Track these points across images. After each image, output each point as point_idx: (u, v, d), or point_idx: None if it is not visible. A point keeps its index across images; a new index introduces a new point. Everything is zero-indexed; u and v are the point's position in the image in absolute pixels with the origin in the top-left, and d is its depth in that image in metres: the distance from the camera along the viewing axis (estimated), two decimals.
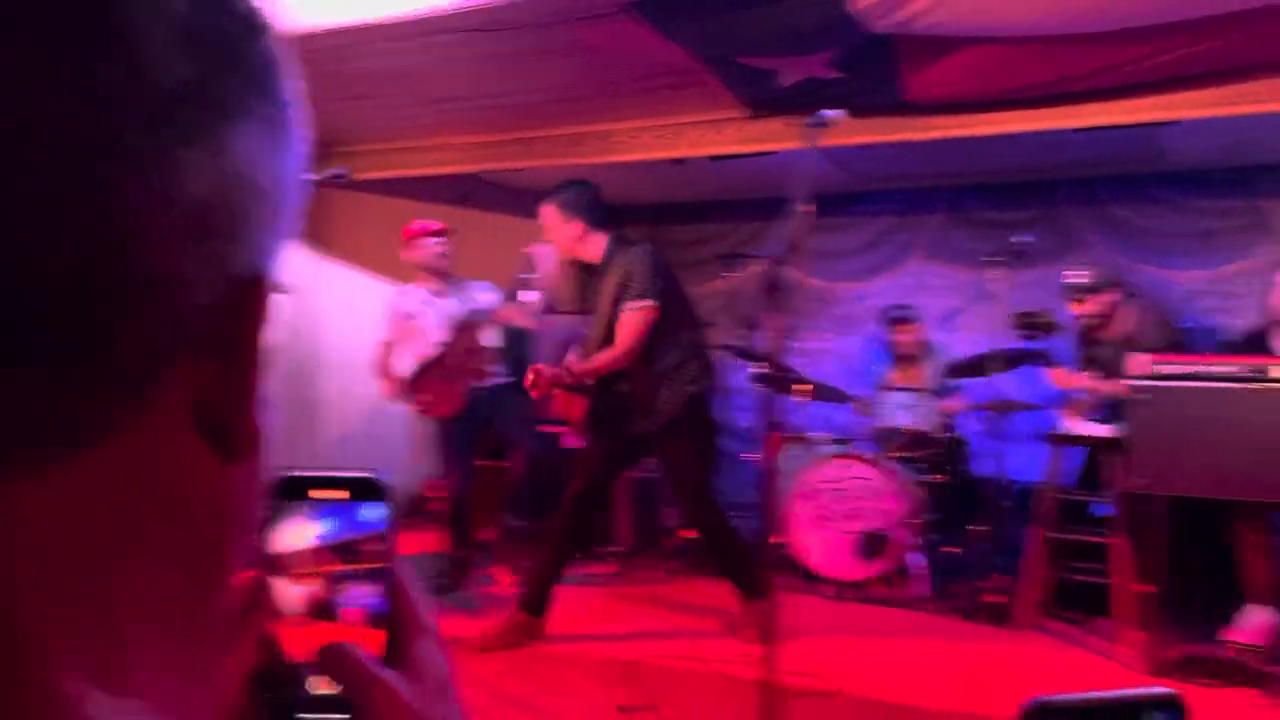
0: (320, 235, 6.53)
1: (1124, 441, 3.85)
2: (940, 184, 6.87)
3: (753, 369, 5.93)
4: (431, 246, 5.06)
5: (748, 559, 4.10)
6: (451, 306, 5.05)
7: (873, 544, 4.85)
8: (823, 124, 2.98)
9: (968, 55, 4.25)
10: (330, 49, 4.45)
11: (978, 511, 5.00)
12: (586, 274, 4.32)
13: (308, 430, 6.30)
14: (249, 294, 0.41)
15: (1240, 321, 5.51)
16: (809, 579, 4.96)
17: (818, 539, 5.00)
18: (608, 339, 4.14)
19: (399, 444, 5.58)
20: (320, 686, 0.50)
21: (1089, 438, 4.37)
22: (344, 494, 0.53)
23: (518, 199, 7.30)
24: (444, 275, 5.08)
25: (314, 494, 0.53)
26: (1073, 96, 4.59)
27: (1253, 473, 3.54)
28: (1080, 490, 4.77)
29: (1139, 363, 4.54)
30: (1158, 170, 6.25)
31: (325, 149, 6.17)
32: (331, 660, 0.50)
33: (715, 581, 4.33)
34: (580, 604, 4.72)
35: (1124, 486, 3.92)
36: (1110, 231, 6.43)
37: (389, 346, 5.07)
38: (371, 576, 0.52)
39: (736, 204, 7.48)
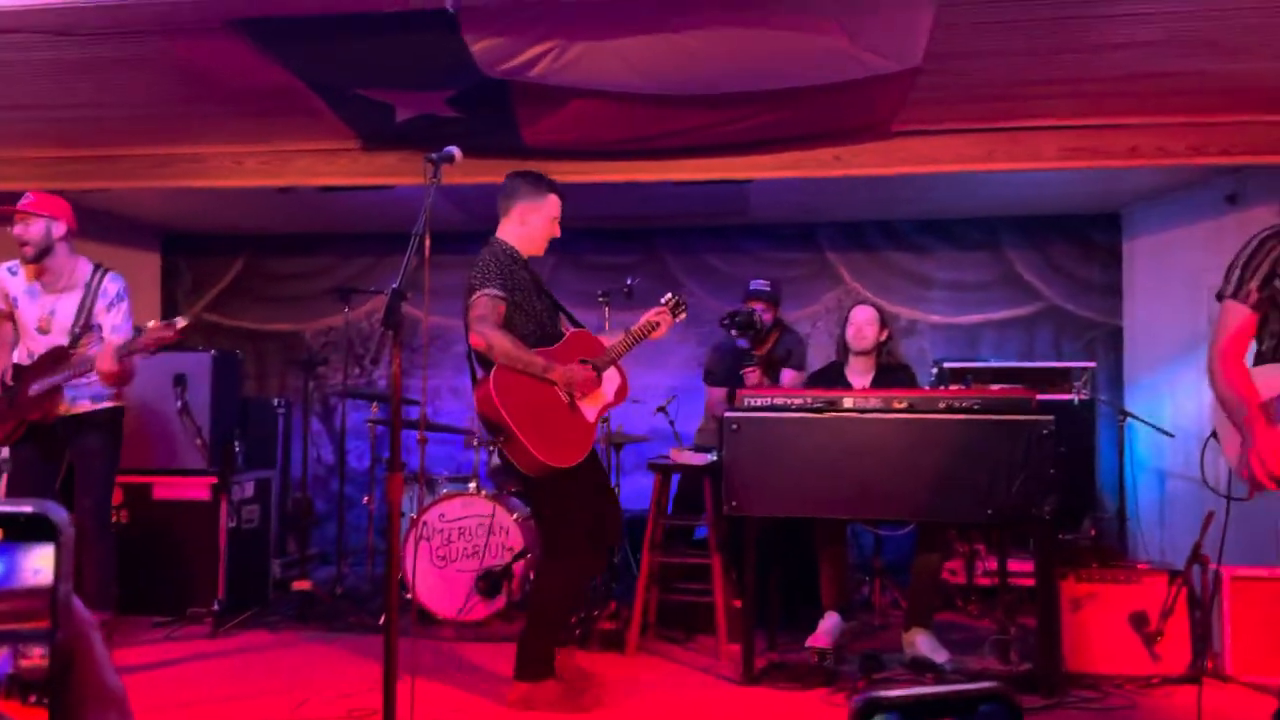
0: None
1: (719, 468, 4.18)
2: None
3: (371, 408, 5.76)
4: (14, 227, 4.14)
5: None
6: (58, 307, 4.19)
7: (492, 581, 4.86)
8: (449, 159, 2.96)
9: (577, 107, 4.46)
10: None
11: None
12: (524, 268, 3.83)
13: None
14: None
15: (810, 360, 6.24)
16: (427, 621, 4.87)
17: (437, 580, 4.93)
18: (547, 337, 3.79)
19: None
20: None
21: (690, 465, 4.70)
22: None
23: (91, 224, 6.54)
24: (39, 267, 4.17)
25: None
26: (669, 152, 4.99)
27: (828, 493, 3.99)
28: (683, 515, 5.11)
29: (790, 378, 5.11)
30: (744, 224, 6.95)
31: None
32: None
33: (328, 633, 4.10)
34: (168, 669, 4.26)
35: (720, 510, 4.25)
36: (704, 278, 7.02)
37: None
38: (32, 636, 0.41)
39: (349, 237, 7.26)
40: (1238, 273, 2.74)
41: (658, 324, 3.95)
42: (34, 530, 0.42)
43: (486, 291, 3.63)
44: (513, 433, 3.52)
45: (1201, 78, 4.26)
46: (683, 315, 4.09)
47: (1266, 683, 3.85)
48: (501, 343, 3.58)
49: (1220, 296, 2.78)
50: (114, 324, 4.20)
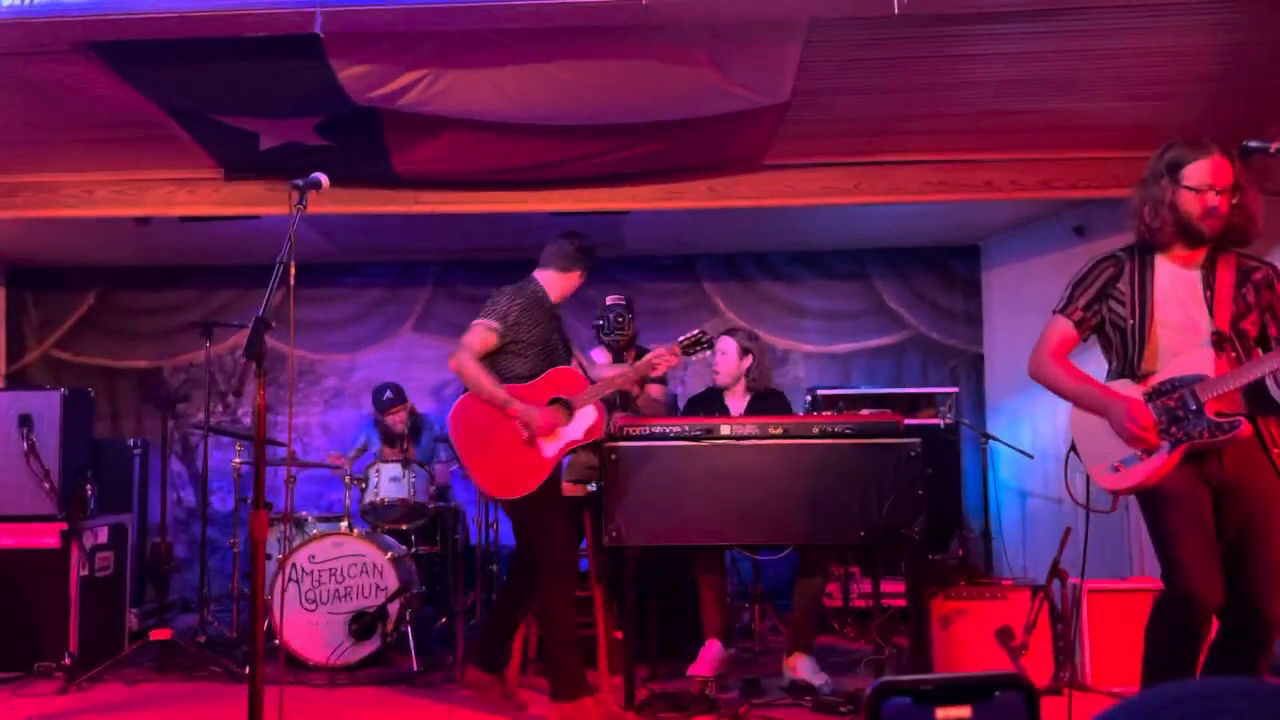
0: None
1: (599, 499, 4.15)
2: (429, 258, 7.03)
3: (235, 446, 5.53)
4: None
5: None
6: None
7: (365, 624, 4.71)
8: (315, 185, 2.88)
9: (451, 136, 4.42)
10: None
11: (471, 579, 5.08)
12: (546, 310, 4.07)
13: None
14: None
15: (690, 388, 6.29)
16: (296, 667, 4.67)
17: (306, 623, 4.74)
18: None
19: None
20: None
21: (570, 497, 4.64)
22: None
23: None
24: None
25: None
26: (545, 183, 4.98)
27: (706, 521, 4.00)
28: None
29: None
30: (621, 256, 6.97)
31: None
32: None
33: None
34: None
35: (600, 541, 4.22)
36: (579, 310, 6.99)
37: None
38: None
39: (211, 270, 7.00)
40: (1069, 290, 2.97)
41: (655, 364, 4.05)
42: None
43: (484, 322, 3.94)
44: (461, 461, 3.82)
45: (1050, 116, 4.51)
46: (705, 353, 4.26)
47: (1124, 691, 4.02)
48: (472, 370, 3.82)
49: (1053, 311, 2.96)
50: None
